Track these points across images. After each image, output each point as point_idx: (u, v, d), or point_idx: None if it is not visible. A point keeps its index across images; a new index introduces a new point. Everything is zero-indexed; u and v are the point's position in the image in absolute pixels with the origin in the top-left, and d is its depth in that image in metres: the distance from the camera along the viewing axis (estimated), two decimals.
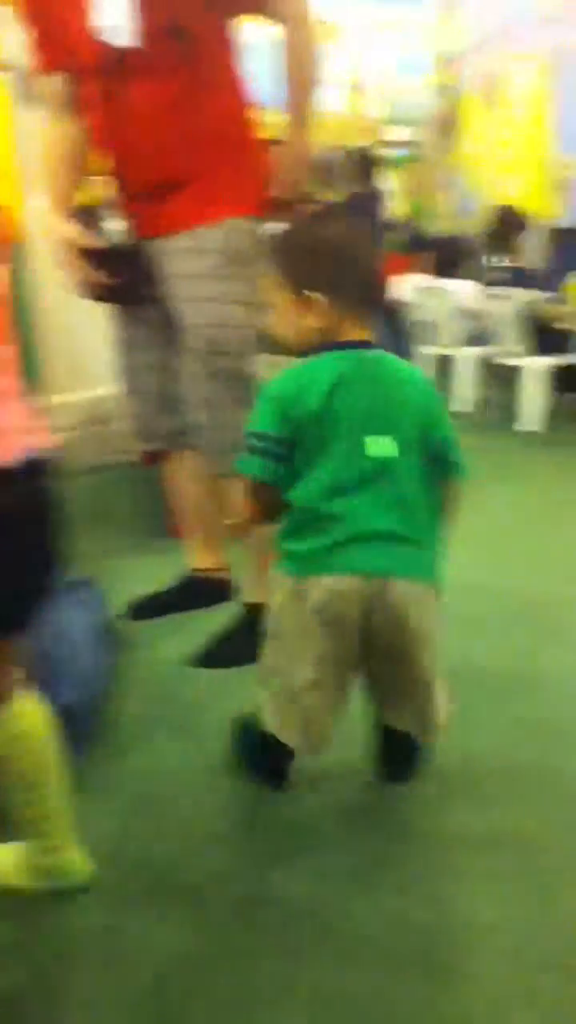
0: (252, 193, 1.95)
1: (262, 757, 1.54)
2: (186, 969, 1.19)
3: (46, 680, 1.73)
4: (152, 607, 2.30)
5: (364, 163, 6.71)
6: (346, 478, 1.32)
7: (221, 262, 1.89)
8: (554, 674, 1.96)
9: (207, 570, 2.29)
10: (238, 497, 1.81)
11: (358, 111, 7.72)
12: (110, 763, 1.69)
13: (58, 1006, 1.15)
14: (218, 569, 2.30)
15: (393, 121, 7.88)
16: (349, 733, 1.56)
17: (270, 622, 1.41)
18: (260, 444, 1.37)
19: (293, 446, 1.35)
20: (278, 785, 1.52)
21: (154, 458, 2.27)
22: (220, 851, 1.43)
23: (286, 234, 1.49)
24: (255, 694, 1.47)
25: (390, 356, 1.42)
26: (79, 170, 2.08)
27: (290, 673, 1.37)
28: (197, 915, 1.29)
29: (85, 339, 3.64)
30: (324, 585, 1.32)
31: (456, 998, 1.12)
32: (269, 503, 1.39)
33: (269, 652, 1.42)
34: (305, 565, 1.35)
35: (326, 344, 1.39)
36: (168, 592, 2.33)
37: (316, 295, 1.38)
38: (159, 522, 2.91)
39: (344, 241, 1.42)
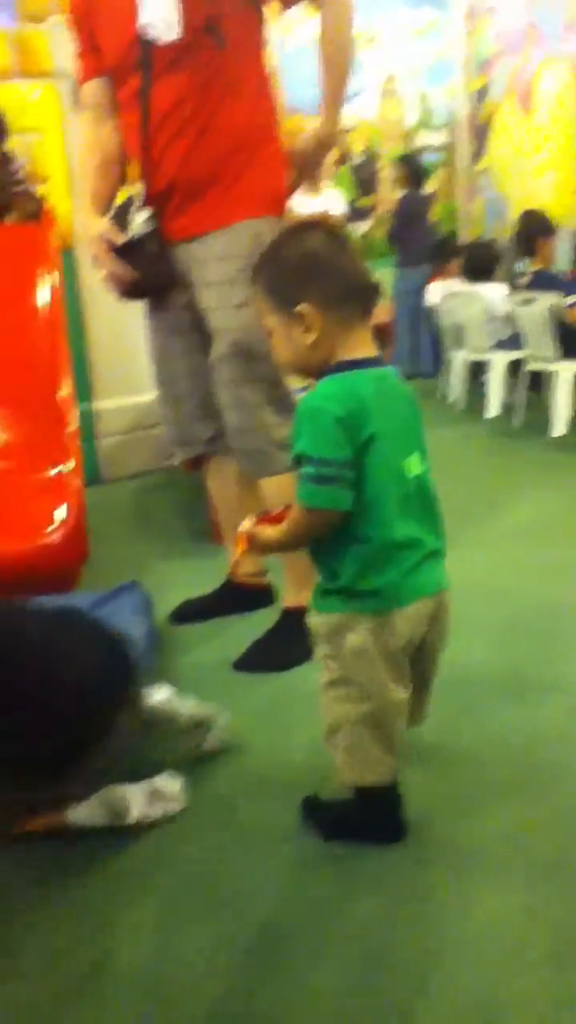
0: (276, 194, 2.01)
1: (380, 815, 1.41)
2: None
3: None
4: (194, 611, 2.34)
5: (414, 168, 6.80)
6: (399, 502, 1.29)
7: (248, 265, 1.83)
8: (571, 679, 1.95)
9: (247, 575, 2.34)
10: (274, 499, 1.92)
11: (390, 116, 7.75)
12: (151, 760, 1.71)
13: None
14: (257, 574, 2.35)
15: (424, 126, 7.90)
16: None
17: (341, 670, 1.33)
18: (329, 471, 1.23)
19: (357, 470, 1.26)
20: (403, 833, 1.41)
21: (195, 464, 2.31)
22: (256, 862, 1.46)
23: (265, 254, 1.41)
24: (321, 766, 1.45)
25: (391, 370, 1.37)
26: (118, 174, 2.14)
27: (380, 707, 1.32)
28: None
29: (134, 344, 3.70)
30: (408, 615, 1.30)
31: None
32: (326, 530, 1.29)
33: (340, 700, 1.34)
34: (386, 600, 1.29)
35: (341, 364, 1.32)
36: (210, 597, 2.38)
37: (305, 307, 1.30)
38: (203, 526, 2.96)
39: (325, 249, 1.33)
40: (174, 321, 2.12)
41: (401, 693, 1.34)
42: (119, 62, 1.96)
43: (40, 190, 3.37)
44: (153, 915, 1.31)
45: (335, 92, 1.98)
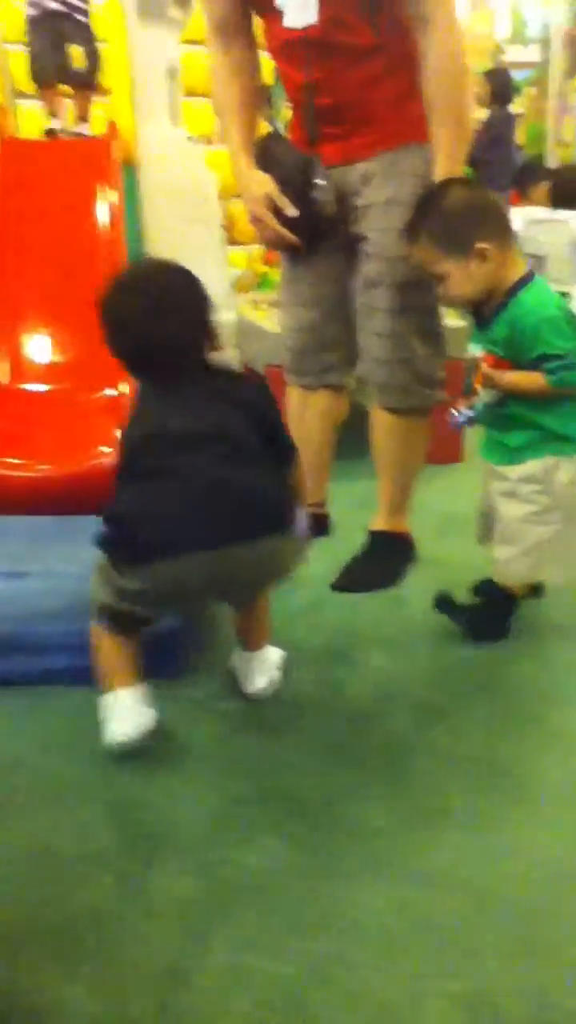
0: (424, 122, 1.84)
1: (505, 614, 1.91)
2: None
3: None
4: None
5: (501, 84, 6.41)
6: None
7: (419, 186, 1.80)
8: None
9: (312, 505, 2.30)
10: (420, 432, 2.03)
11: (479, 29, 7.33)
12: (206, 684, 1.74)
13: None
14: (320, 504, 2.32)
15: (516, 40, 7.46)
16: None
17: (564, 493, 1.74)
18: (572, 360, 1.65)
19: None
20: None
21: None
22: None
23: (424, 208, 1.68)
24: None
25: None
26: (260, 102, 2.03)
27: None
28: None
29: (195, 266, 3.64)
30: None
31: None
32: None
33: (567, 516, 1.76)
34: None
35: (524, 278, 1.70)
36: None
37: (485, 245, 1.63)
38: None
39: (478, 193, 1.71)
40: (315, 247, 1.99)
41: None
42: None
43: (103, 104, 3.31)
44: None
45: (450, 139, 1.76)
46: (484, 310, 1.74)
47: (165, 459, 1.49)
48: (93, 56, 3.17)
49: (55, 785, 1.47)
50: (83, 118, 3.33)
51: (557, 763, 1.50)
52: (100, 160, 3.07)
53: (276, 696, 1.68)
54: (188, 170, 3.27)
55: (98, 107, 3.24)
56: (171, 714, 1.62)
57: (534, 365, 1.68)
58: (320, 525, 2.30)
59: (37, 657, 1.72)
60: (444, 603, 1.93)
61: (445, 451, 2.87)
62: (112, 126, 3.20)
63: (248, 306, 3.40)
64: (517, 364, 1.71)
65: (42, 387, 2.81)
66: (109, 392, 2.69)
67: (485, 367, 1.73)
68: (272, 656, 1.73)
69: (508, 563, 1.83)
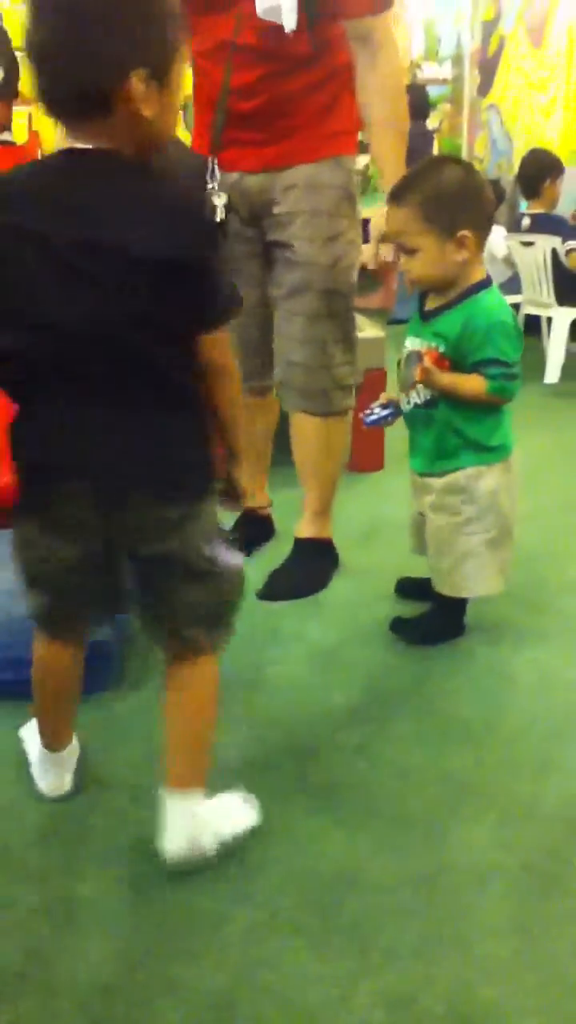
0: (356, 137, 1.95)
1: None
2: None
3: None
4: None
5: (417, 100, 6.52)
6: None
7: (341, 197, 1.88)
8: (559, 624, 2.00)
9: (256, 508, 2.34)
10: (315, 439, 2.02)
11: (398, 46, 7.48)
12: (139, 693, 1.74)
13: None
14: (264, 507, 2.38)
15: (430, 57, 7.64)
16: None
17: (489, 501, 1.77)
18: (515, 370, 1.70)
19: None
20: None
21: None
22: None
23: (420, 178, 1.65)
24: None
25: None
26: None
27: (511, 524, 1.82)
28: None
29: None
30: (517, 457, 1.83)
31: None
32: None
33: (494, 524, 1.78)
34: (508, 448, 1.79)
35: (484, 281, 1.70)
36: (233, 534, 2.35)
37: (467, 233, 1.62)
38: None
39: (477, 181, 1.69)
40: (240, 254, 2.00)
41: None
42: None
43: (28, 111, 3.28)
44: None
45: (395, 152, 1.82)
46: (431, 301, 1.75)
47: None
48: (11, 64, 3.14)
49: None
50: (4, 127, 3.29)
51: (469, 760, 1.55)
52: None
53: None
54: None
55: (20, 116, 3.21)
56: (100, 728, 1.62)
57: (476, 369, 1.69)
58: (264, 528, 2.37)
59: None
60: (398, 625, 1.94)
61: (367, 459, 2.94)
62: (34, 135, 3.18)
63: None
64: (457, 366, 1.71)
65: None
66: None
67: (428, 361, 1.69)
68: (205, 811, 1.27)
69: (443, 574, 1.84)
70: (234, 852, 1.31)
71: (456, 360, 1.71)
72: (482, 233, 1.68)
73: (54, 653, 1.35)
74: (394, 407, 1.89)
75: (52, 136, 3.19)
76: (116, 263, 1.05)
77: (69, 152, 1.10)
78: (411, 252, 1.68)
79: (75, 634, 1.36)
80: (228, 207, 1.86)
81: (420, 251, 1.66)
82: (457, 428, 1.76)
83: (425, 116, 6.56)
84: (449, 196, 1.63)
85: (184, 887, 1.26)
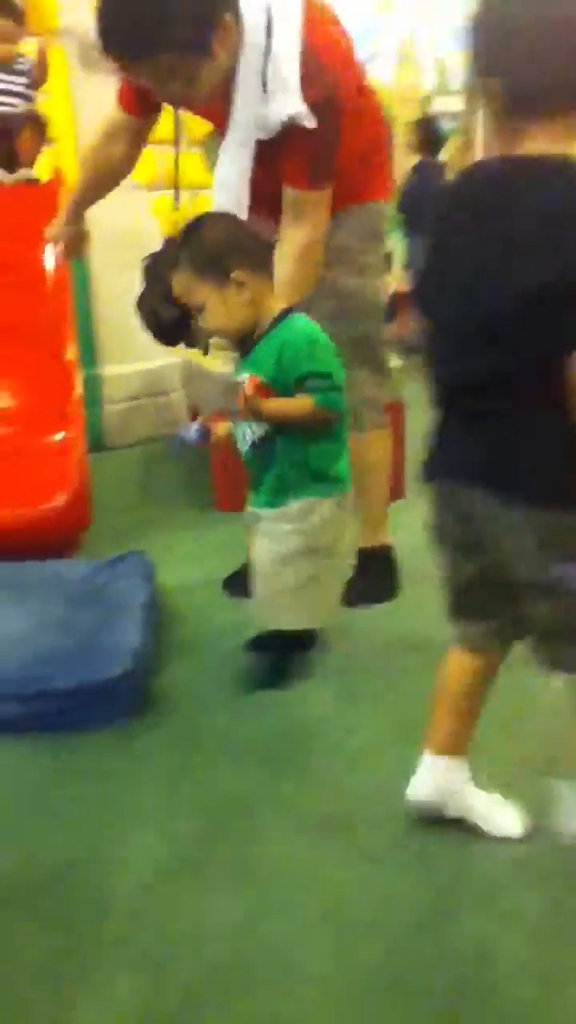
0: (390, 182, 2.10)
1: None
2: None
3: (93, 653, 1.80)
4: (246, 583, 2.31)
5: (430, 133, 6.62)
6: None
7: (374, 236, 2.05)
8: None
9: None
10: (375, 452, 2.16)
11: (406, 81, 7.58)
12: (151, 734, 1.71)
13: None
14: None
15: (442, 91, 7.73)
16: None
17: (318, 535, 1.74)
18: (339, 383, 1.70)
19: None
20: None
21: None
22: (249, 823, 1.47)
23: (192, 239, 1.69)
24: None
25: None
26: (105, 192, 2.19)
27: (339, 562, 1.86)
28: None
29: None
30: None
31: None
32: (319, 428, 1.73)
33: (321, 559, 1.77)
34: (344, 482, 1.80)
35: (286, 310, 1.72)
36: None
37: (241, 272, 1.65)
38: (206, 496, 2.94)
39: (244, 224, 1.73)
40: None
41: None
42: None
43: (49, 151, 3.34)
44: None
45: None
46: (248, 343, 1.74)
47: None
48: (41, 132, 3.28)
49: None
50: (31, 161, 3.37)
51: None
52: (46, 207, 3.08)
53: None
54: (133, 216, 3.31)
55: (44, 154, 3.28)
56: (118, 761, 1.61)
57: (300, 387, 1.67)
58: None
59: None
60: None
61: (233, 499, 2.89)
62: (58, 173, 3.23)
63: (194, 350, 3.42)
64: (282, 394, 1.68)
65: None
66: (57, 437, 2.69)
67: (248, 388, 1.66)
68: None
69: (260, 604, 1.81)
70: None
71: (279, 389, 1.68)
72: (259, 271, 1.69)
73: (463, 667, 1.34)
74: (203, 432, 1.87)
75: (75, 174, 3.24)
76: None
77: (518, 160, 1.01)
78: (200, 310, 1.70)
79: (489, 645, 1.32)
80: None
81: (206, 306, 1.69)
82: (298, 459, 1.73)
83: (436, 149, 6.62)
84: (214, 246, 1.67)
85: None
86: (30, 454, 2.67)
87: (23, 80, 3.22)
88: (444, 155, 6.83)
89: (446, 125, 7.42)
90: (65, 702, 1.69)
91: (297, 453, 1.72)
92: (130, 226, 3.24)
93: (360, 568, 2.23)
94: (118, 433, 3.68)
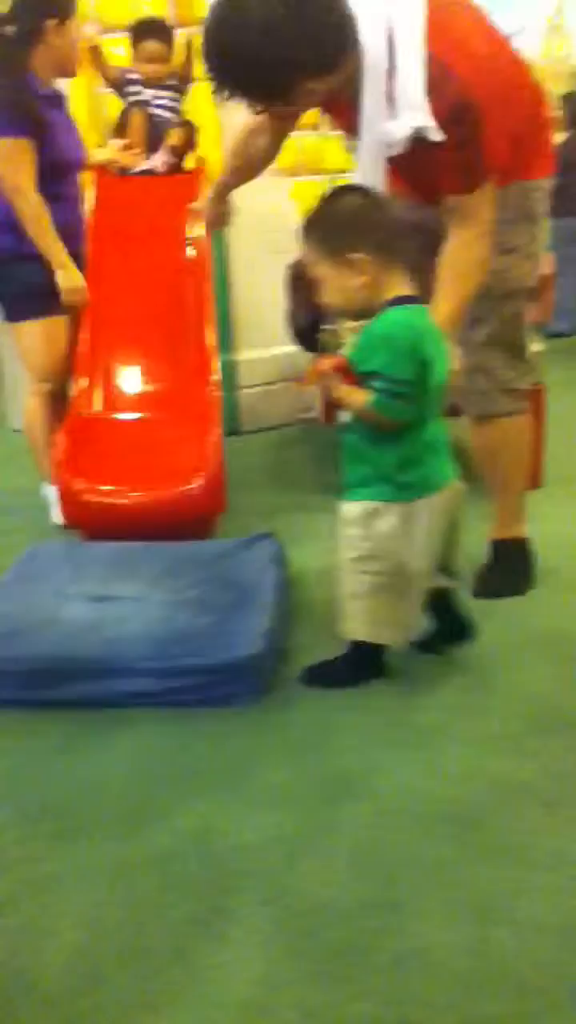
0: (549, 157, 1.99)
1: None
2: None
3: (225, 634, 1.84)
4: None
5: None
6: (435, 411, 1.71)
7: (522, 217, 1.95)
8: None
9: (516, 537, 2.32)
10: (487, 441, 2.10)
11: (555, 53, 7.28)
12: (278, 714, 1.74)
13: None
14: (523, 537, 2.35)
15: None
16: None
17: (383, 543, 1.66)
18: (400, 388, 1.58)
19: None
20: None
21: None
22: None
23: (315, 212, 1.65)
24: None
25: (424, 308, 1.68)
26: (249, 178, 2.22)
27: (410, 575, 1.71)
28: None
29: (276, 296, 3.69)
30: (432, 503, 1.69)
31: None
32: (387, 429, 1.64)
33: (386, 569, 1.68)
34: (419, 490, 1.66)
35: (396, 299, 1.61)
36: None
37: (360, 256, 1.58)
38: (338, 480, 2.94)
39: (378, 204, 1.64)
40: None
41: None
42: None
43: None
44: None
45: (447, 300, 1.81)
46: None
47: None
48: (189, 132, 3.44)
49: (135, 807, 1.49)
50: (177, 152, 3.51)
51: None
52: (189, 194, 3.16)
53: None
54: (271, 202, 3.34)
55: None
56: (245, 740, 1.65)
57: (365, 382, 1.61)
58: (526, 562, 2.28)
59: (121, 680, 1.76)
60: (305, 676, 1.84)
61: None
62: (201, 161, 3.30)
63: (328, 334, 3.43)
64: (363, 384, 1.63)
65: (133, 415, 2.89)
66: (195, 422, 2.75)
67: (323, 363, 1.65)
68: None
69: (339, 610, 1.74)
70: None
71: (362, 379, 1.63)
72: (382, 257, 1.60)
73: None
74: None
75: (218, 159, 3.29)
76: None
77: None
78: (319, 282, 1.66)
79: None
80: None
81: (323, 280, 1.65)
82: (366, 455, 1.66)
83: None
84: (339, 223, 1.62)
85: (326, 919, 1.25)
86: (169, 438, 2.75)
87: (173, 95, 3.36)
88: None
89: None
90: (197, 679, 1.75)
91: (371, 449, 1.66)
92: (269, 212, 3.27)
93: (493, 560, 2.19)
94: (252, 417, 3.74)
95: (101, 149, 3.17)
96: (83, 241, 2.82)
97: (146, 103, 3.35)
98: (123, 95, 3.38)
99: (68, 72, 2.64)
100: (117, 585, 2.08)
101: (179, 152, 3.34)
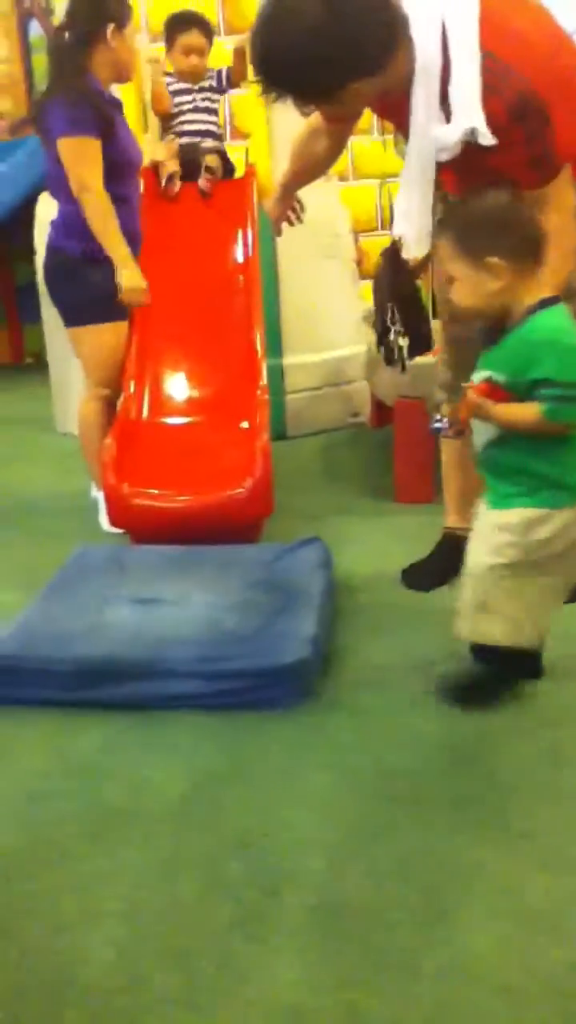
0: None
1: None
2: None
3: (272, 637, 1.83)
4: (426, 575, 2.29)
5: None
6: None
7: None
8: None
9: (462, 529, 2.30)
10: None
11: None
12: (323, 719, 1.73)
13: None
14: (469, 529, 2.33)
15: None
16: None
17: (540, 548, 1.60)
18: (573, 392, 1.51)
19: None
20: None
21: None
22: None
23: (466, 208, 1.62)
24: None
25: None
26: (310, 180, 2.23)
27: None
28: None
29: (324, 301, 3.70)
30: None
31: None
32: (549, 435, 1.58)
33: (523, 575, 1.63)
34: None
35: (545, 300, 1.56)
36: (435, 557, 2.33)
37: (498, 260, 1.53)
38: (385, 485, 2.93)
39: (508, 207, 1.57)
40: None
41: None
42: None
43: (243, 147, 3.42)
44: None
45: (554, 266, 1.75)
46: (494, 334, 1.61)
47: None
48: (226, 159, 3.34)
49: (178, 808, 1.49)
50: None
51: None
52: (239, 200, 3.17)
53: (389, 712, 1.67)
54: (321, 206, 3.34)
55: (238, 150, 3.37)
56: (290, 743, 1.64)
57: (531, 393, 1.52)
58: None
59: (167, 682, 1.77)
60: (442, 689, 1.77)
61: (415, 490, 2.83)
62: (251, 167, 3.31)
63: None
64: (516, 397, 1.55)
65: (181, 420, 2.91)
66: (243, 425, 2.76)
67: (472, 394, 1.56)
68: None
69: (470, 619, 1.67)
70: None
71: (514, 391, 1.55)
72: (520, 261, 1.54)
73: None
74: (453, 423, 1.70)
75: (267, 165, 3.31)
76: None
77: None
78: (452, 281, 1.61)
79: None
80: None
81: (457, 280, 1.59)
82: (526, 468, 1.59)
83: None
84: (481, 224, 1.56)
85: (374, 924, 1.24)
86: (217, 442, 2.76)
87: (213, 96, 3.26)
88: None
89: None
90: (243, 683, 1.74)
91: (531, 459, 1.59)
92: (319, 216, 3.27)
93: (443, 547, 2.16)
94: (300, 422, 3.74)
95: (153, 148, 3.18)
96: (139, 244, 2.86)
97: (188, 110, 3.25)
98: (167, 127, 3.29)
99: (124, 77, 2.68)
100: (164, 588, 2.09)
101: (217, 173, 3.28)
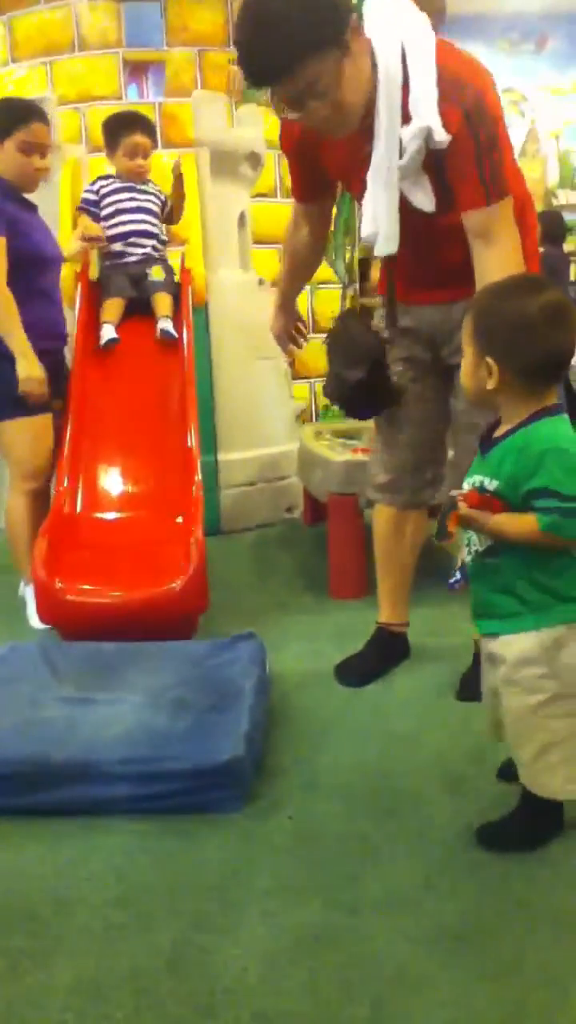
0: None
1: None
2: None
3: (205, 736, 1.79)
4: (359, 670, 2.29)
5: (553, 224, 6.72)
6: None
7: None
8: None
9: (396, 624, 2.35)
10: None
11: (531, 175, 7.70)
12: (269, 817, 1.69)
13: None
14: (401, 624, 2.36)
15: (566, 185, 7.80)
16: None
17: (558, 686, 1.46)
18: (573, 506, 1.40)
19: None
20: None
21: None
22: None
23: (495, 292, 1.54)
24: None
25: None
26: (305, 277, 2.34)
27: None
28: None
29: (259, 398, 3.78)
30: None
31: None
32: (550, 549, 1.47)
33: (557, 716, 1.47)
34: None
35: (549, 408, 1.47)
36: (368, 652, 2.34)
37: (492, 363, 1.46)
38: (320, 581, 2.95)
39: (541, 317, 1.43)
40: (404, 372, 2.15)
41: None
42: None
43: (179, 252, 3.53)
44: None
45: None
46: (487, 441, 1.53)
47: None
48: (168, 271, 3.36)
49: (111, 924, 1.42)
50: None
51: None
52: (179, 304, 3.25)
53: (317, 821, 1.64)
54: (255, 308, 3.45)
55: (175, 255, 3.47)
56: (227, 849, 1.59)
57: (529, 503, 1.42)
58: (398, 647, 2.35)
59: (96, 786, 1.71)
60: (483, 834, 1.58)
61: (348, 586, 2.87)
62: (187, 272, 3.41)
63: (310, 436, 3.50)
64: (514, 507, 1.44)
65: (116, 515, 2.90)
66: (178, 520, 2.76)
67: (464, 507, 1.45)
68: None
69: (524, 766, 1.52)
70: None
71: (512, 502, 1.44)
72: (517, 375, 1.44)
73: None
74: (465, 574, 1.58)
75: (202, 271, 3.41)
76: None
77: None
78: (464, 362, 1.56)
79: None
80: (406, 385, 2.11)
81: (464, 357, 1.53)
82: (527, 577, 1.46)
83: (560, 239, 6.67)
84: (497, 321, 1.45)
85: None
86: (151, 538, 2.75)
87: (156, 198, 3.29)
88: (569, 245, 6.86)
89: (569, 217, 7.47)
90: (177, 784, 1.69)
91: (530, 569, 1.46)
92: (253, 319, 3.38)
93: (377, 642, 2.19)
94: (234, 517, 3.76)
95: (68, 243, 3.15)
96: (63, 340, 2.89)
97: (129, 209, 3.24)
98: (106, 263, 3.27)
99: (24, 187, 2.72)
100: (95, 686, 2.04)
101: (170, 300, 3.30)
